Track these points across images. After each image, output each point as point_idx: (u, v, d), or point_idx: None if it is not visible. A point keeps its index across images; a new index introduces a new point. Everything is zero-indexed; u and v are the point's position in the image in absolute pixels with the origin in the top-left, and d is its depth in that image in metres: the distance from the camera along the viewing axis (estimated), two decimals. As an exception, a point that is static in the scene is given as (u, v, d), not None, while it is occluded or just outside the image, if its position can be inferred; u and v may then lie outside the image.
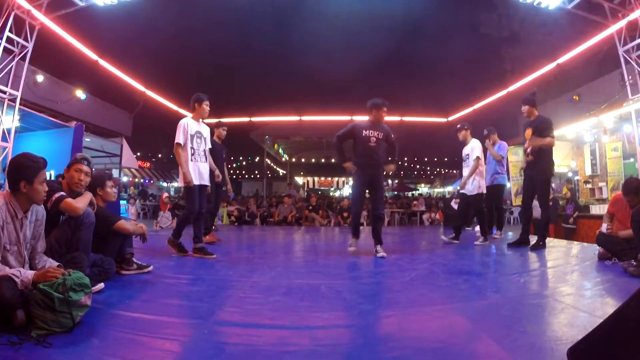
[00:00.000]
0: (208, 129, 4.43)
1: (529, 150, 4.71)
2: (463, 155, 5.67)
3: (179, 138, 4.01)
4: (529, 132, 4.71)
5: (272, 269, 3.53)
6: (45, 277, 1.84)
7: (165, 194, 10.70)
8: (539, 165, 4.63)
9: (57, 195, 2.49)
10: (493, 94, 14.11)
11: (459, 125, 5.70)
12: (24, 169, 2.04)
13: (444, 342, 1.80)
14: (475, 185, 5.41)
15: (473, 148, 5.45)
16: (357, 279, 3.24)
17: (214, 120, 5.88)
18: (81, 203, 2.60)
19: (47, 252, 2.34)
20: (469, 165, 5.45)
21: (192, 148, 4.10)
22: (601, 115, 8.78)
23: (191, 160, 4.08)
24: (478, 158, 5.37)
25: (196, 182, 4.07)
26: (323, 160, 23.95)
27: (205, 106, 4.25)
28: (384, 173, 4.59)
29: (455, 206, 8.90)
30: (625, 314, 1.22)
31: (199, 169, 4.15)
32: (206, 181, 4.25)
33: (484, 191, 5.51)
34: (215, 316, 2.11)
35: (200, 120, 4.30)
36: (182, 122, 4.10)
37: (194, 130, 4.15)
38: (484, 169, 5.65)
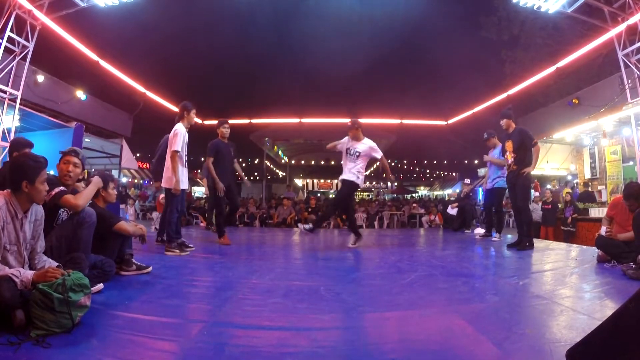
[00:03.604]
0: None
1: (511, 161, 5.07)
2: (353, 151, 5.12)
3: (178, 146, 4.19)
4: (509, 144, 5.12)
5: (271, 271, 3.53)
6: (45, 277, 1.84)
7: (162, 196, 10.51)
8: (521, 174, 4.90)
9: (56, 190, 2.47)
10: (493, 97, 14.14)
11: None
12: (26, 168, 2.04)
13: (443, 344, 1.80)
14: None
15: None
16: (356, 281, 3.24)
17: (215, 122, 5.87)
18: (81, 200, 2.57)
19: (47, 250, 2.34)
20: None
21: (186, 155, 4.39)
22: (600, 119, 8.79)
23: (184, 166, 4.34)
24: None
25: (184, 187, 4.34)
26: (323, 162, 23.92)
27: (193, 114, 4.54)
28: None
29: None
30: (624, 316, 1.22)
31: (185, 176, 4.44)
32: (186, 185, 4.55)
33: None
34: (215, 317, 2.11)
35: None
36: (180, 130, 4.29)
37: (186, 139, 4.40)
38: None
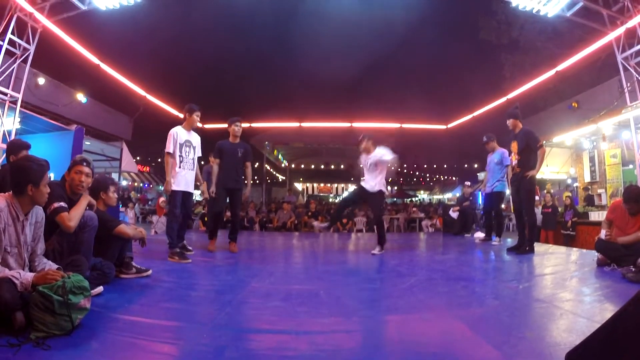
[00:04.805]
0: (199, 138, 4.58)
1: (514, 163, 4.98)
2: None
3: (169, 147, 4.23)
4: (514, 145, 4.99)
5: (271, 275, 3.53)
6: (45, 280, 1.85)
7: (162, 199, 10.44)
8: (525, 177, 4.83)
9: (56, 205, 2.44)
10: (493, 101, 14.17)
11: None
12: (30, 172, 2.05)
13: (443, 347, 1.80)
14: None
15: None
16: (356, 284, 3.24)
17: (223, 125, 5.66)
18: (74, 221, 2.50)
19: (49, 253, 2.34)
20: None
21: (180, 156, 4.29)
22: (600, 122, 8.81)
23: (179, 167, 4.27)
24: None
25: (182, 188, 4.28)
26: (323, 166, 23.93)
27: (196, 116, 4.46)
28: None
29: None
30: (624, 318, 1.22)
31: (185, 178, 4.33)
32: (191, 189, 4.48)
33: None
34: (215, 321, 2.11)
35: (191, 129, 4.48)
36: (172, 131, 4.30)
37: (184, 139, 4.34)
38: None
